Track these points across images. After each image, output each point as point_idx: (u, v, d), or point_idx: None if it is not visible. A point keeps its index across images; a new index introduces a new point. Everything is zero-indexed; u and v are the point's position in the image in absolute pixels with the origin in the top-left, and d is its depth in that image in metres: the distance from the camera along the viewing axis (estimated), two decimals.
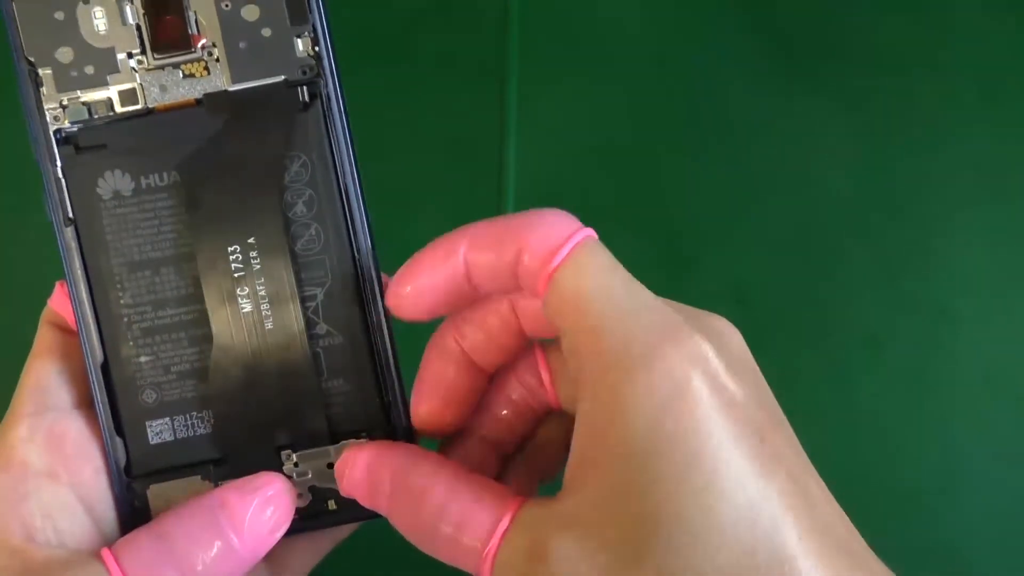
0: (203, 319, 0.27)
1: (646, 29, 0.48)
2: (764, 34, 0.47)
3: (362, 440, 0.28)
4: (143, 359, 0.27)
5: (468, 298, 0.27)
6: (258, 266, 0.27)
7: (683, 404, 0.22)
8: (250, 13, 0.27)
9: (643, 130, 0.47)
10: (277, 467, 0.27)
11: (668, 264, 0.46)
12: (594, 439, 0.23)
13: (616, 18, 0.48)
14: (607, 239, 0.46)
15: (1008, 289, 0.45)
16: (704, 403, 0.22)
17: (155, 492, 0.27)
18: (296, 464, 0.28)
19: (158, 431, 0.27)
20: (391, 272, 0.28)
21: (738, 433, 0.22)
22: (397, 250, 0.45)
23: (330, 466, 0.27)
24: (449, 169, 0.46)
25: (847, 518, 0.23)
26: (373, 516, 0.27)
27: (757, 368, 0.25)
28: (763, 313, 0.45)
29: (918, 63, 0.47)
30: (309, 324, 0.27)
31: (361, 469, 0.26)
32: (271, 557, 0.27)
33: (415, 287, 0.26)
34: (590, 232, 0.25)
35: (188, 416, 0.28)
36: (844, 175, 0.46)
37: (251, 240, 0.27)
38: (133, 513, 0.27)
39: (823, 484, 0.24)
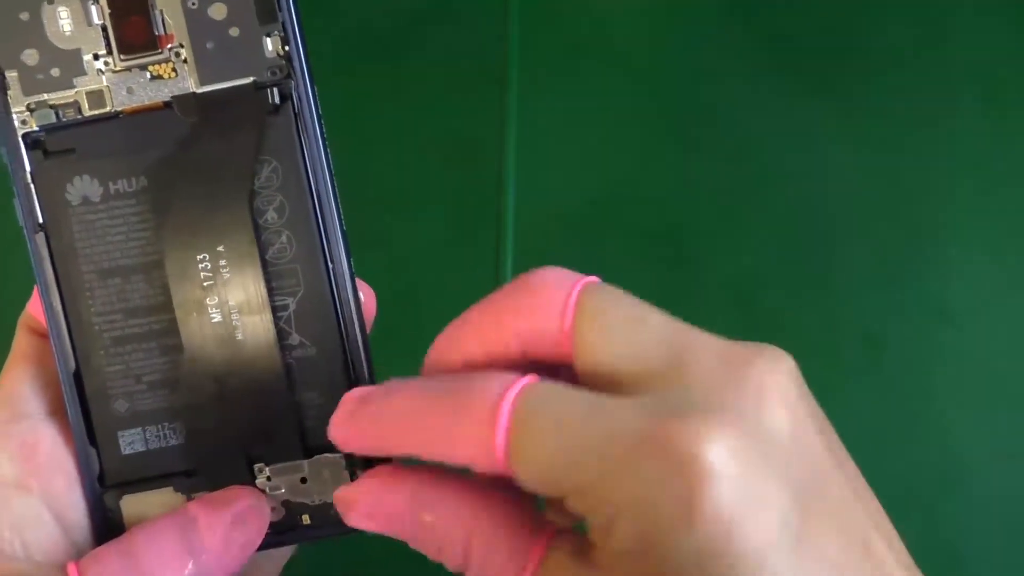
0: (173, 328, 0.26)
1: (646, 30, 0.48)
2: (764, 35, 0.47)
3: (337, 457, 0.27)
4: (114, 368, 0.27)
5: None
6: (228, 275, 0.26)
7: (695, 535, 0.19)
8: (217, 12, 0.26)
9: (643, 130, 0.47)
10: (250, 480, 0.27)
11: (668, 264, 0.46)
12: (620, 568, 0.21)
13: (616, 18, 0.48)
14: (607, 239, 0.46)
15: (1008, 289, 0.45)
16: (716, 524, 0.19)
17: (128, 503, 0.27)
18: (269, 478, 0.27)
19: (130, 441, 0.27)
20: (368, 278, 0.28)
21: (763, 544, 0.19)
22: (397, 252, 0.45)
23: (303, 480, 0.27)
24: (449, 170, 0.46)
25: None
26: (349, 532, 0.27)
27: (802, 418, 0.21)
28: (763, 313, 0.45)
29: (918, 64, 0.47)
30: (281, 335, 0.27)
31: (367, 507, 0.24)
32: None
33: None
34: (521, 382, 0.22)
35: (160, 427, 0.27)
36: (844, 175, 0.46)
37: (220, 248, 0.26)
38: (106, 524, 0.27)
39: (884, 534, 0.21)
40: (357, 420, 0.24)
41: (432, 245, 0.46)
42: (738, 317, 0.45)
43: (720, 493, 0.19)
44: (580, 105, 0.47)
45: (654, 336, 0.22)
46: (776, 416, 0.21)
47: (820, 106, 0.47)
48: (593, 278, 0.24)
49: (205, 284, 0.26)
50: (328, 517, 0.27)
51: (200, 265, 0.26)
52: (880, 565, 0.21)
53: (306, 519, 0.27)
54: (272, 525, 0.27)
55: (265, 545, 0.26)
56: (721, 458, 0.19)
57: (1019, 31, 0.47)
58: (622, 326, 0.22)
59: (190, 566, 0.25)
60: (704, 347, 0.22)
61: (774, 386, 0.21)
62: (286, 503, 0.27)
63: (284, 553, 0.29)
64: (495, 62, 0.47)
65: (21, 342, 0.28)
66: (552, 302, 0.23)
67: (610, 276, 0.45)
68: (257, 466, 0.27)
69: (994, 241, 0.45)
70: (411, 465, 0.24)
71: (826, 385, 0.44)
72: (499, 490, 0.23)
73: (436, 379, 0.23)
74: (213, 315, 0.26)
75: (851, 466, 0.22)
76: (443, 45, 0.47)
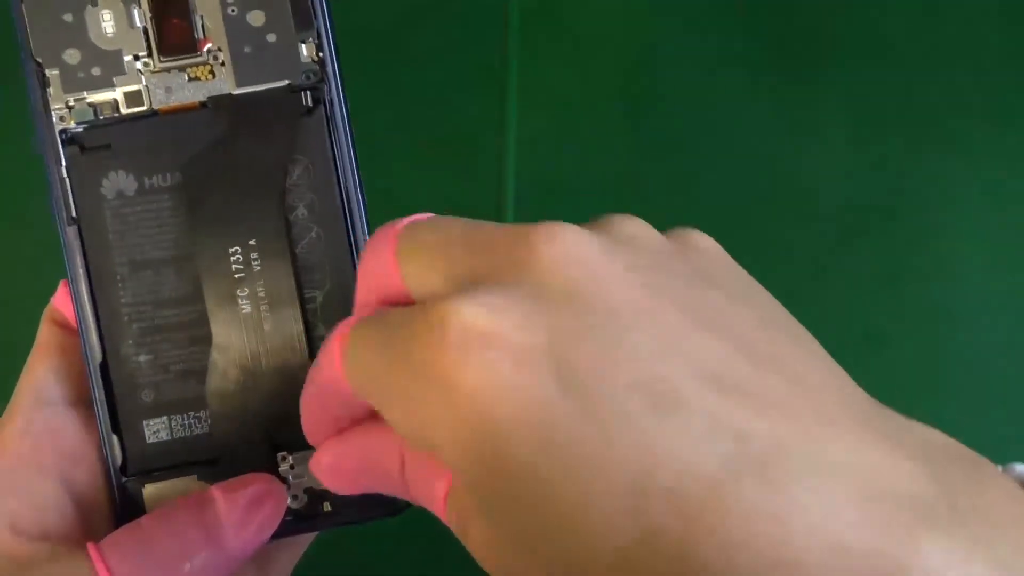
0: (203, 319, 0.27)
1: (646, 29, 0.48)
2: (764, 33, 0.47)
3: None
4: (142, 358, 0.28)
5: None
6: (259, 268, 0.27)
7: (458, 402, 0.17)
8: (256, 18, 0.27)
9: (643, 130, 0.47)
10: (273, 468, 0.28)
11: None
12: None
13: (615, 18, 0.48)
14: None
15: (1008, 289, 0.45)
16: (474, 395, 0.17)
17: (151, 491, 0.28)
18: (292, 466, 0.28)
19: (155, 430, 0.28)
20: None
21: (546, 406, 0.17)
22: None
23: None
24: (448, 170, 0.46)
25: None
26: (367, 519, 0.28)
27: (597, 267, 0.19)
28: None
29: (918, 62, 0.47)
30: (308, 326, 0.27)
31: (328, 472, 0.24)
32: (258, 553, 0.27)
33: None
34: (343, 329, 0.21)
35: (185, 416, 0.28)
36: (844, 174, 0.46)
37: (252, 242, 0.27)
38: (128, 511, 0.27)
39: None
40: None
41: None
42: None
43: (473, 361, 0.17)
44: (579, 104, 0.47)
45: (452, 244, 0.20)
46: (550, 275, 0.18)
47: (820, 105, 0.47)
48: (419, 216, 0.22)
49: (236, 276, 0.27)
50: (347, 504, 0.28)
51: (232, 258, 0.27)
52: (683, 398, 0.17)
53: (327, 507, 0.28)
54: (293, 512, 0.28)
55: (287, 532, 0.27)
56: (468, 326, 0.17)
57: (1020, 30, 0.47)
58: (430, 248, 0.21)
59: (206, 546, 0.25)
60: (494, 234, 0.20)
61: (550, 252, 0.19)
62: (308, 491, 0.28)
63: (302, 543, 0.30)
64: (495, 62, 0.47)
65: (45, 333, 0.28)
66: (381, 250, 0.22)
67: None
68: (280, 454, 0.28)
69: (994, 240, 0.45)
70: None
71: None
72: None
73: None
74: (243, 306, 0.27)
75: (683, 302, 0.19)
76: (443, 45, 0.47)
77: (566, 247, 0.19)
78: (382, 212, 0.46)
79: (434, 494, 0.21)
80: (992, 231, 0.45)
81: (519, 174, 0.46)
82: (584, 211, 0.51)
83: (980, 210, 0.45)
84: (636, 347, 0.18)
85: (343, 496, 0.27)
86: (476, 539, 0.20)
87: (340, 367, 0.21)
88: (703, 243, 0.21)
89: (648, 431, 0.17)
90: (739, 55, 0.47)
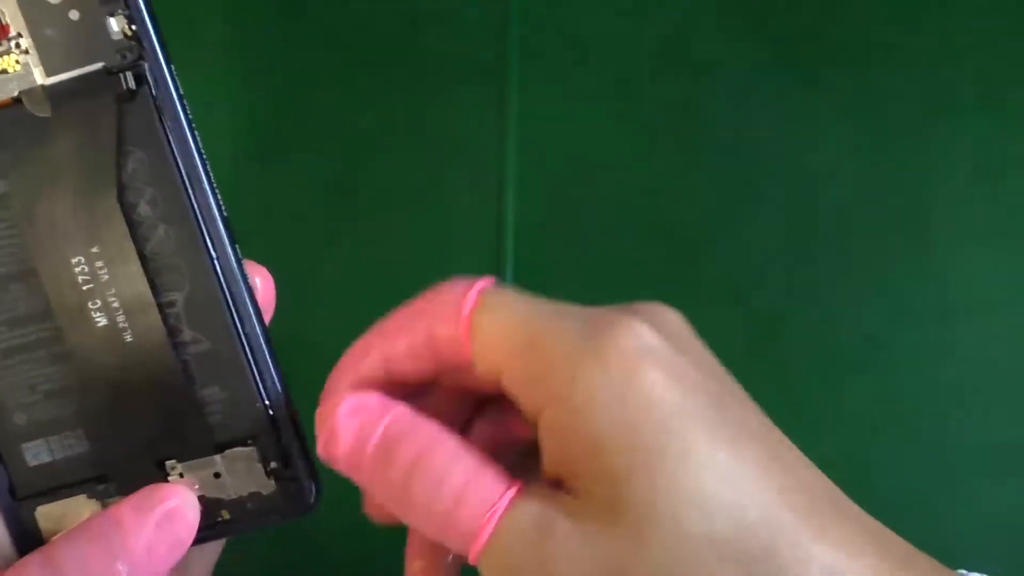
0: (60, 336, 0.25)
1: (645, 29, 0.48)
2: (764, 34, 0.47)
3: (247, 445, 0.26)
4: (5, 381, 0.26)
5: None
6: (106, 276, 0.25)
7: (640, 388, 0.22)
8: None
9: (643, 130, 0.47)
10: (163, 478, 0.26)
11: (668, 264, 0.46)
12: (566, 441, 0.23)
13: (615, 19, 0.48)
14: (607, 239, 0.46)
15: (1008, 289, 0.45)
16: (659, 384, 0.22)
17: (43, 513, 0.26)
18: (182, 475, 0.26)
19: (35, 452, 0.26)
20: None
21: (698, 406, 0.23)
22: (396, 252, 0.45)
23: (217, 475, 0.26)
24: (449, 171, 0.46)
25: (827, 479, 0.24)
26: (268, 524, 0.26)
27: (701, 343, 0.25)
28: (763, 313, 0.45)
29: (918, 63, 0.47)
30: (173, 332, 0.25)
31: (347, 419, 0.24)
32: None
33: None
34: (487, 280, 0.25)
35: (63, 436, 0.26)
36: (844, 175, 0.46)
37: (95, 249, 0.25)
38: (24, 536, 0.26)
39: (795, 449, 0.24)
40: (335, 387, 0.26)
41: (432, 245, 0.46)
42: (738, 317, 0.45)
43: (653, 368, 0.23)
44: (580, 106, 0.47)
45: (521, 323, 0.24)
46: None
47: (820, 104, 0.47)
48: (487, 280, 0.25)
49: (84, 288, 0.25)
50: (246, 510, 0.26)
51: (76, 268, 0.25)
52: (793, 465, 0.23)
53: (225, 515, 0.26)
54: None
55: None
56: (653, 342, 0.23)
57: (1019, 31, 0.47)
58: (502, 322, 0.24)
59: (115, 572, 0.24)
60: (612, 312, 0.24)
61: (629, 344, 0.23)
62: (202, 499, 0.26)
63: (212, 552, 0.28)
64: (495, 62, 0.47)
65: None
66: (451, 307, 0.25)
67: (609, 276, 0.45)
68: (169, 463, 0.26)
69: (994, 241, 0.45)
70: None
71: (826, 385, 0.44)
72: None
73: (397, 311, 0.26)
74: (98, 318, 0.25)
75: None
76: (443, 45, 0.47)
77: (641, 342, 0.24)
78: (383, 213, 0.46)
79: (502, 486, 0.24)
80: (991, 230, 0.45)
81: (519, 177, 0.46)
82: (584, 212, 0.51)
83: (980, 209, 0.45)
84: (724, 374, 0.25)
85: (239, 504, 0.26)
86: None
87: (472, 308, 0.24)
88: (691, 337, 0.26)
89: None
90: (739, 56, 0.47)
